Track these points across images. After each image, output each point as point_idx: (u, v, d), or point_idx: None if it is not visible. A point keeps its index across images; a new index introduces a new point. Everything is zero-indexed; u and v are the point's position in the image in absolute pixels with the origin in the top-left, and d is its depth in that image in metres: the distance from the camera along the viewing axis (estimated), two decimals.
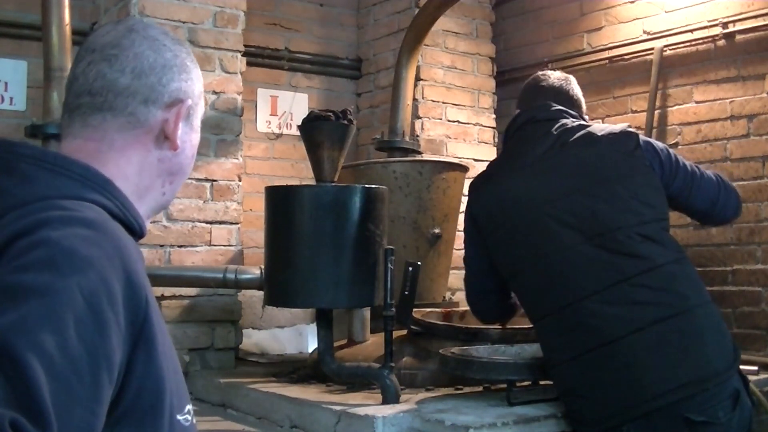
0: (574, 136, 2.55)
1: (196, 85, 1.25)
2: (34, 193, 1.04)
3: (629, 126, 2.71)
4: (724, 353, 2.31)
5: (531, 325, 2.62)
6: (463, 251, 4.14)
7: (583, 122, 2.66)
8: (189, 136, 1.25)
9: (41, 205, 1.02)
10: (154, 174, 1.22)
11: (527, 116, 2.66)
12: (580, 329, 2.34)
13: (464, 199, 3.17)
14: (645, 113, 4.03)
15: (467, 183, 3.29)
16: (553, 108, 2.64)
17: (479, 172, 2.82)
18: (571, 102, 2.72)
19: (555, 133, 2.57)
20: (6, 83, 3.71)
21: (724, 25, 3.79)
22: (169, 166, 1.23)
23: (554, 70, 4.50)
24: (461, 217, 3.66)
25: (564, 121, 2.61)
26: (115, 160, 1.17)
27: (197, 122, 1.27)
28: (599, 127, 2.61)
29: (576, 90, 2.77)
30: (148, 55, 1.19)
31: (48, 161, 1.08)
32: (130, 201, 1.16)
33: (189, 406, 1.14)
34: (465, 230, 2.72)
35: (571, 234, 2.40)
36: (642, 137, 2.55)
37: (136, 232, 1.17)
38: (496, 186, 2.61)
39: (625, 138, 2.52)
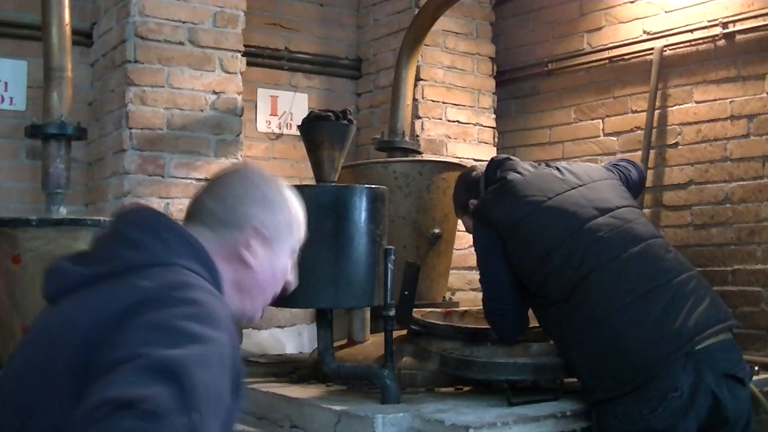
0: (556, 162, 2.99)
1: (279, 219, 1.50)
2: (170, 256, 1.34)
3: None
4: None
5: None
6: (462, 251, 4.17)
7: None
8: (270, 260, 1.49)
9: (179, 269, 1.32)
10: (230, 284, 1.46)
11: (501, 157, 3.01)
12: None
13: None
14: (645, 113, 4.03)
15: None
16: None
17: (480, 200, 2.86)
18: None
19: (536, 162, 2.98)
20: (6, 83, 3.71)
21: (724, 25, 3.79)
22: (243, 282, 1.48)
23: (554, 70, 4.54)
24: None
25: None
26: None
27: (281, 250, 1.51)
28: None
29: None
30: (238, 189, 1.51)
31: (187, 242, 1.39)
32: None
33: None
34: (482, 246, 2.82)
35: (587, 211, 2.68)
36: None
37: None
38: (505, 194, 2.79)
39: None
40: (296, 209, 1.54)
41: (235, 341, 1.25)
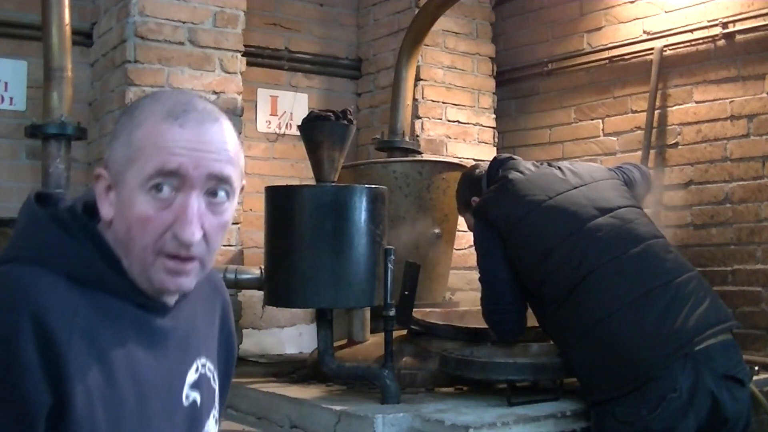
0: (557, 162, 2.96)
1: (117, 153, 1.15)
2: (14, 251, 1.17)
3: None
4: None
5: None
6: (462, 251, 4.17)
7: None
8: (120, 205, 1.15)
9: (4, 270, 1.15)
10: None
11: (503, 156, 3.01)
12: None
13: None
14: (645, 113, 4.03)
15: None
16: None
17: (481, 198, 2.86)
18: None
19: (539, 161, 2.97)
20: (6, 83, 3.70)
21: (724, 25, 3.79)
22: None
23: (554, 70, 4.54)
24: (461, 217, 3.67)
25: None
26: None
27: (126, 189, 1.13)
28: None
29: None
30: None
31: None
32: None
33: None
34: (482, 245, 2.82)
35: (588, 211, 2.68)
36: None
37: None
38: (506, 193, 2.79)
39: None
40: (143, 133, 1.12)
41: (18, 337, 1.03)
